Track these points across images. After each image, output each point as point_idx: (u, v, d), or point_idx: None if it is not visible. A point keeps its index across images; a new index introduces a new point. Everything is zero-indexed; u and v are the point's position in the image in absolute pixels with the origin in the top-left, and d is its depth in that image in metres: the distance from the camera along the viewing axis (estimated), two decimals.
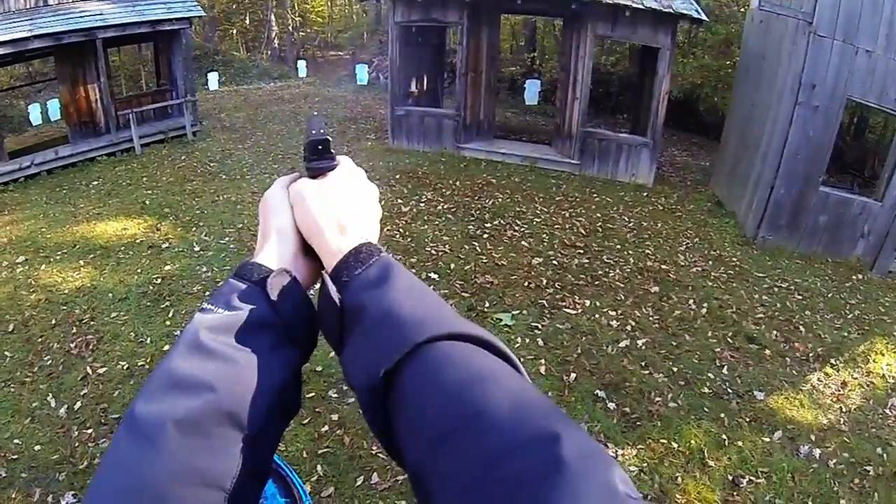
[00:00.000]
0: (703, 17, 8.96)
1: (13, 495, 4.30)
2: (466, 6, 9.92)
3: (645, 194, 8.74)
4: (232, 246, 7.92)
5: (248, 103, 17.33)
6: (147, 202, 10.03)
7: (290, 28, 27.74)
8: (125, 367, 5.65)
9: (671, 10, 8.60)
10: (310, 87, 18.39)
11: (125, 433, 0.50)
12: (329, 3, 30.21)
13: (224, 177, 10.88)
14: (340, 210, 0.67)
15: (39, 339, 6.29)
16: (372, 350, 0.52)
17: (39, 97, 20.11)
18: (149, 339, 6.05)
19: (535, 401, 0.45)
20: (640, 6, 8.68)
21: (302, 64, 20.07)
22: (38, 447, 4.80)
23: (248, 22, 29.63)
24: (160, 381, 0.53)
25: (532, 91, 13.81)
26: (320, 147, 0.70)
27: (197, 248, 7.99)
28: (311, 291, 0.66)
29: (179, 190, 10.44)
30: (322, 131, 0.71)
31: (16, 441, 4.91)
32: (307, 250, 0.67)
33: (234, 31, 29.22)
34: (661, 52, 9.07)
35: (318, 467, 4.02)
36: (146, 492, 0.47)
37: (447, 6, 10.27)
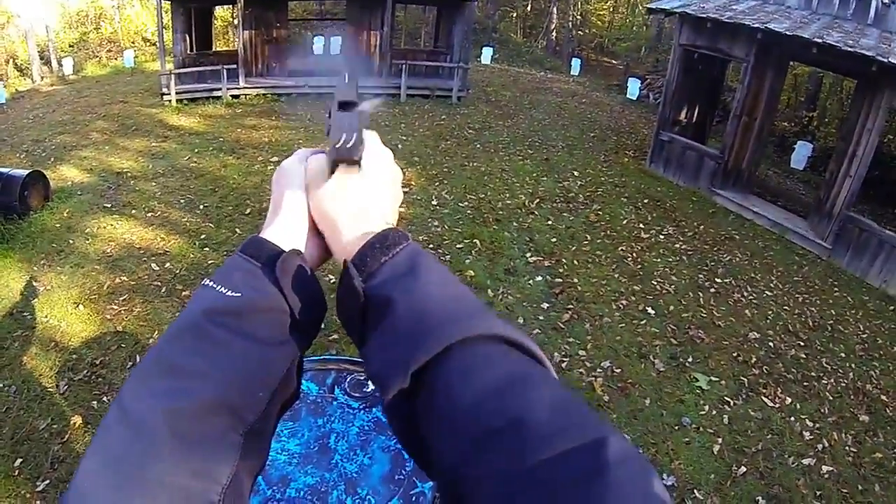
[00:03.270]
0: None
1: None
2: (756, 42, 9.31)
3: (892, 308, 7.81)
4: (469, 212, 8.46)
5: (516, 85, 17.80)
6: (399, 146, 10.96)
7: (570, 24, 27.85)
8: (331, 282, 6.48)
9: None
10: (579, 87, 18.47)
11: (116, 420, 0.47)
12: (612, 9, 29.81)
13: (478, 146, 11.49)
14: (363, 197, 0.63)
15: None
16: (400, 347, 0.49)
17: (326, 32, 22.60)
18: None
19: (576, 406, 0.44)
20: None
21: (576, 62, 20.13)
22: None
23: (529, 8, 30.28)
24: (154, 364, 0.51)
25: (801, 154, 12.72)
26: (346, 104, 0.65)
27: (434, 203, 8.66)
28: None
29: (433, 145, 11.27)
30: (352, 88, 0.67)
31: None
32: (316, 229, 0.65)
33: (515, 15, 30.04)
34: None
35: None
36: (137, 485, 0.44)
37: (736, 38, 9.73)
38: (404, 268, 0.53)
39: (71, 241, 7.24)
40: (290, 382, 0.56)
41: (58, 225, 7.69)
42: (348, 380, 1.84)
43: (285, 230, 0.62)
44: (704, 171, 10.65)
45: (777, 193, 11.19)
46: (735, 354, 5.99)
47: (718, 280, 7.41)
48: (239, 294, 0.54)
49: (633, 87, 16.40)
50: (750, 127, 10.29)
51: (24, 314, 5.83)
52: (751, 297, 7.17)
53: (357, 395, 1.80)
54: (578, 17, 28.70)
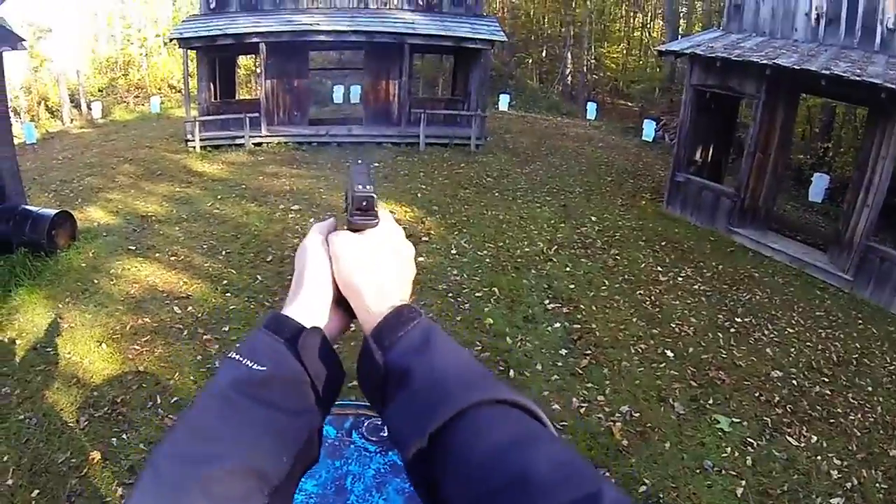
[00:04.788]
0: None
1: None
2: (766, 79, 9.40)
3: None
4: (488, 260, 8.52)
5: (533, 131, 18.04)
6: (419, 195, 11.12)
7: (584, 69, 28.16)
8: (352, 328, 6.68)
9: None
10: (595, 131, 18.68)
11: (151, 482, 0.51)
12: (625, 52, 30.13)
13: (497, 193, 11.62)
14: (381, 271, 0.67)
15: (288, 278, 7.48)
16: (419, 412, 0.54)
17: (345, 81, 23.11)
18: None
19: (575, 461, 0.49)
20: None
21: (592, 106, 20.41)
22: None
23: (544, 54, 30.73)
24: (187, 431, 0.55)
25: (818, 186, 12.65)
26: (365, 204, 0.69)
27: (454, 251, 8.72)
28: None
29: (451, 194, 11.39)
30: (368, 187, 0.69)
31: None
32: (339, 301, 0.69)
33: (530, 61, 30.45)
34: None
35: None
36: None
37: (746, 76, 9.83)
38: (419, 341, 0.59)
39: (95, 281, 7.44)
40: (311, 447, 0.60)
41: (83, 264, 7.91)
42: (366, 424, 1.91)
43: (307, 308, 0.66)
44: (721, 210, 10.64)
45: (796, 228, 11.09)
46: (757, 394, 5.90)
47: (738, 319, 7.35)
48: (264, 368, 0.58)
49: (649, 129, 16.57)
50: (765, 163, 10.29)
51: (48, 349, 5.96)
52: (772, 335, 7.09)
53: (374, 439, 1.87)
54: (592, 60, 29.07)
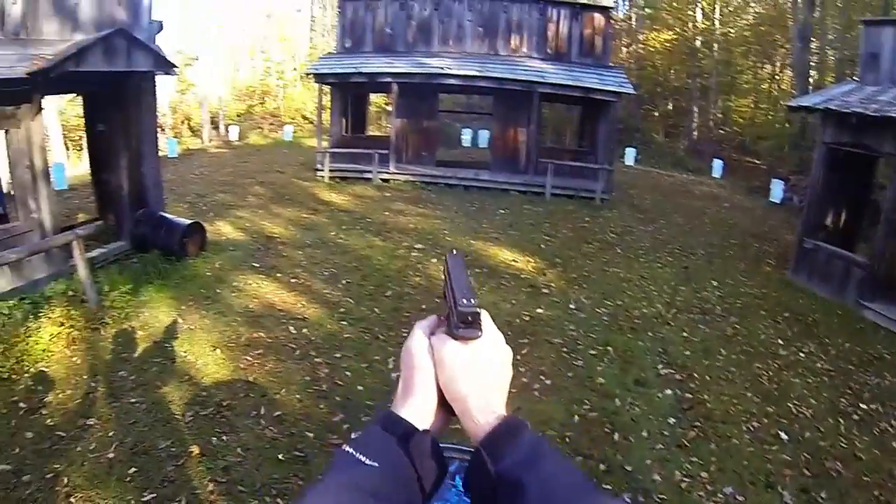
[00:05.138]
0: None
1: (321, 406, 5.67)
2: None
3: None
4: (605, 318, 8.51)
5: (658, 188, 17.81)
6: (542, 246, 11.24)
7: (711, 123, 27.37)
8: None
9: None
10: (721, 190, 18.15)
11: None
12: (753, 105, 28.90)
13: (619, 250, 11.58)
14: (485, 381, 0.71)
15: (405, 315, 7.53)
16: None
17: (473, 125, 23.64)
18: None
19: None
20: None
21: (718, 163, 19.78)
22: (360, 387, 6.01)
23: (670, 107, 30.11)
24: None
25: None
26: (470, 319, 0.71)
27: (572, 306, 8.75)
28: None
29: (575, 247, 11.46)
30: (472, 301, 0.72)
31: (347, 373, 6.26)
32: (441, 403, 0.73)
33: (657, 114, 29.90)
34: None
35: None
36: None
37: (883, 132, 9.15)
38: (530, 453, 0.63)
39: (218, 291, 8.02)
40: None
41: (209, 274, 8.62)
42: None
43: (417, 411, 0.71)
44: (852, 281, 10.02)
45: None
46: (877, 493, 5.51)
47: (863, 406, 6.93)
48: (377, 464, 0.62)
49: (777, 190, 15.91)
50: None
51: (166, 345, 6.45)
52: None
53: None
54: (720, 114, 28.22)
